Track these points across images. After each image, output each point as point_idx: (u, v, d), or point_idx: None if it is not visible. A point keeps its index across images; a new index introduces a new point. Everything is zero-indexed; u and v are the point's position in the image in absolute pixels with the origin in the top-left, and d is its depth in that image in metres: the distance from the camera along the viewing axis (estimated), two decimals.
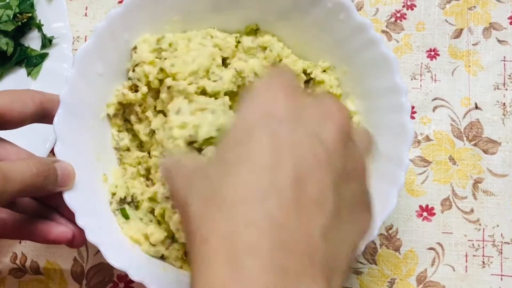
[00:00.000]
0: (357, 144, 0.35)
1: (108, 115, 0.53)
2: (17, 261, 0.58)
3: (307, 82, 0.55)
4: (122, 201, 0.52)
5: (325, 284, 0.29)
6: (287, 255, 0.28)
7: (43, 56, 0.61)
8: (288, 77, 0.35)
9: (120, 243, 0.50)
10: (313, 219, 0.30)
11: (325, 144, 0.31)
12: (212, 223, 0.30)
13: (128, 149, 0.54)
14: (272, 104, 0.32)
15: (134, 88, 0.53)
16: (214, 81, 0.50)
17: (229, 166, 0.31)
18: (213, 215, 0.30)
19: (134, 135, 0.55)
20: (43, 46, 0.62)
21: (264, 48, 0.55)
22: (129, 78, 0.53)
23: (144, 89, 0.52)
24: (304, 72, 0.55)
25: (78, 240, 0.48)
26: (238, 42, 0.55)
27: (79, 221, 0.47)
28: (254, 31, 0.56)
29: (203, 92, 0.50)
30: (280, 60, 0.55)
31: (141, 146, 0.54)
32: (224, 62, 0.53)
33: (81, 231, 0.46)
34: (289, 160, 0.30)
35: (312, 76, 0.54)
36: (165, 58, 0.51)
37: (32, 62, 0.61)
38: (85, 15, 0.65)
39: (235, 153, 0.31)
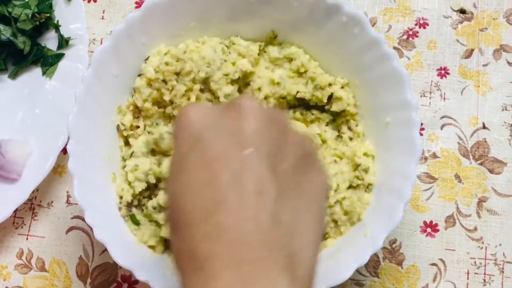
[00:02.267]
0: (279, 121, 0.37)
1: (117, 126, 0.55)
2: (23, 257, 0.59)
3: (329, 98, 0.55)
4: (130, 205, 0.52)
5: (284, 260, 0.32)
6: (241, 249, 0.31)
7: (59, 56, 0.62)
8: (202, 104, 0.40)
9: (127, 242, 0.50)
10: (258, 209, 0.32)
11: (247, 139, 0.34)
12: (175, 245, 0.34)
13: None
14: (193, 125, 0.36)
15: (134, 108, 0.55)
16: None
17: (177, 196, 0.35)
18: (175, 239, 0.34)
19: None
20: (60, 46, 0.62)
21: (290, 60, 0.56)
22: (134, 89, 0.54)
23: (140, 103, 0.54)
24: (330, 85, 0.55)
25: None
26: (264, 51, 0.56)
27: (88, 218, 0.47)
28: (272, 39, 0.56)
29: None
30: (306, 71, 0.55)
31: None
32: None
33: None
34: (220, 170, 0.33)
35: (331, 91, 0.55)
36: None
37: (48, 61, 0.62)
38: (102, 18, 0.66)
39: (179, 183, 0.35)
